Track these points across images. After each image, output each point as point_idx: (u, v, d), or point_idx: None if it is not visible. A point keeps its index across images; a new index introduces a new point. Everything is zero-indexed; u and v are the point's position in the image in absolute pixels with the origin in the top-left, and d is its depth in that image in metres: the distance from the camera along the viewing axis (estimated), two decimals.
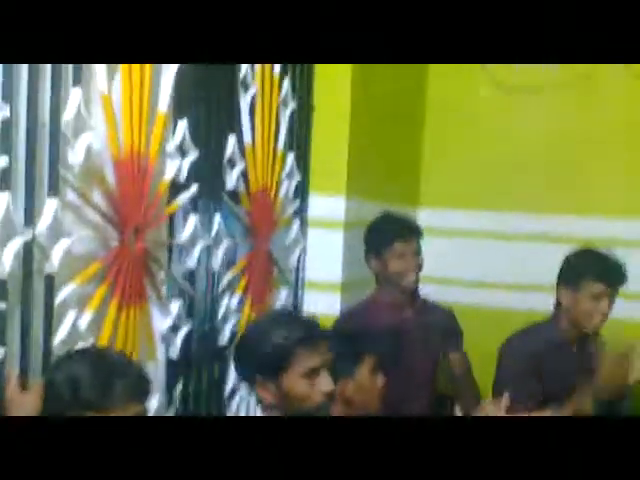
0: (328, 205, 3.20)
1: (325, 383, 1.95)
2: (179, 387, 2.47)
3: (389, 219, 3.03)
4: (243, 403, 2.81)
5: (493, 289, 3.93)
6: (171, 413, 2.42)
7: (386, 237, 2.93)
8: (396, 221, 3.01)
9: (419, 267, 2.96)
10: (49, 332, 1.92)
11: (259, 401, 2.02)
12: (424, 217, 3.86)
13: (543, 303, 3.28)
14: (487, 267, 3.93)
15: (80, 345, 1.97)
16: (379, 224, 3.02)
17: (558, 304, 2.93)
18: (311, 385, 1.94)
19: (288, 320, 2.04)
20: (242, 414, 2.79)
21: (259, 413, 2.03)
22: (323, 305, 3.17)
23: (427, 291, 3.11)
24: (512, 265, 3.89)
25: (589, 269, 2.84)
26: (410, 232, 2.96)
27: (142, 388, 1.71)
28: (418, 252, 2.96)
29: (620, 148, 3.74)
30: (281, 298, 3.07)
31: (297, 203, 3.13)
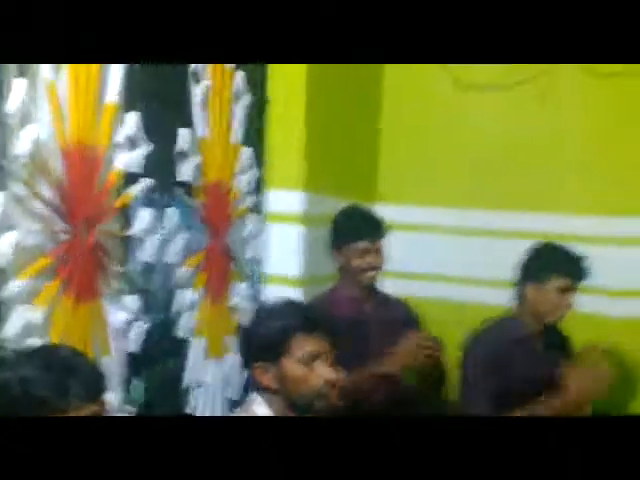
0: (286, 199, 3.18)
1: (324, 370, 1.99)
2: (135, 382, 2.44)
3: (356, 214, 3.01)
4: (200, 398, 2.78)
5: (452, 283, 3.94)
6: (128, 409, 2.39)
7: (352, 233, 2.91)
8: (363, 217, 2.99)
9: (381, 265, 2.95)
10: None
11: (257, 386, 2.04)
12: (382, 212, 3.84)
13: (501, 297, 3.31)
14: (445, 261, 3.94)
15: (30, 341, 1.94)
16: (346, 218, 3.00)
17: (521, 298, 2.94)
18: (310, 370, 1.98)
19: (289, 307, 2.07)
20: (200, 409, 2.77)
21: (258, 399, 2.03)
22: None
23: (386, 285, 3.11)
24: (470, 260, 3.90)
25: (555, 264, 2.87)
26: (376, 231, 2.95)
27: (96, 385, 1.65)
28: (381, 250, 2.95)
29: (577, 146, 3.76)
30: (240, 292, 3.04)
31: (254, 197, 3.10)
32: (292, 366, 1.98)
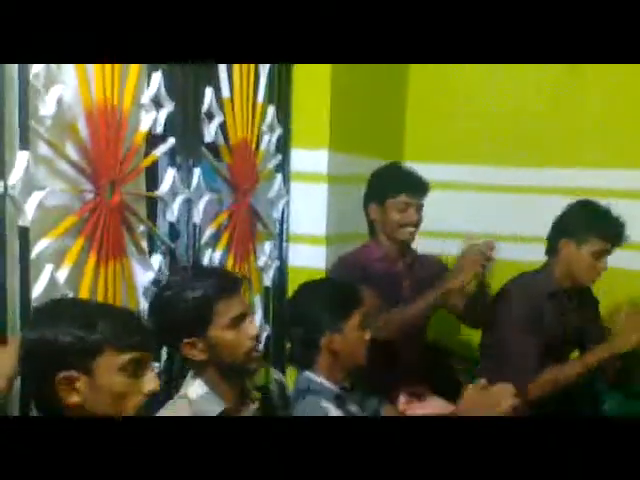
0: (311, 159, 3.16)
1: (250, 328, 1.96)
2: None
3: (399, 169, 3.01)
4: None
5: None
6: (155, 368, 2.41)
7: (394, 187, 2.90)
8: (406, 173, 2.98)
9: (418, 223, 2.94)
10: (26, 286, 1.91)
11: (187, 360, 1.98)
12: None
13: (532, 254, 3.29)
14: (474, 219, 3.91)
15: None
16: (389, 172, 2.99)
17: (553, 252, 2.92)
18: (238, 333, 1.94)
19: (201, 275, 1.99)
20: None
21: (190, 374, 2.01)
22: (308, 258, 3.17)
23: (417, 244, 3.11)
24: (500, 217, 3.88)
25: (597, 226, 2.84)
26: (419, 187, 2.93)
27: (129, 328, 1.57)
28: (421, 208, 2.94)
29: (604, 100, 3.71)
30: (265, 252, 3.06)
31: (279, 157, 3.10)
32: (220, 333, 1.93)
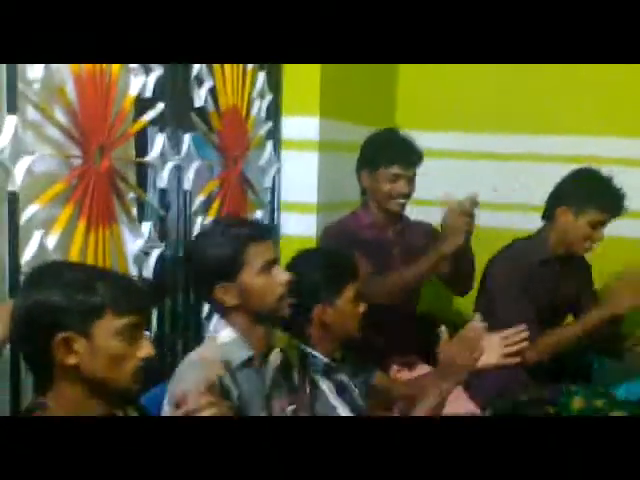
0: (302, 126, 3.13)
1: (281, 274, 2.00)
2: (154, 310, 2.45)
3: (393, 137, 2.96)
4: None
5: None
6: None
7: (385, 157, 2.87)
8: (399, 142, 2.94)
9: (409, 195, 2.91)
10: (15, 252, 1.88)
11: (218, 307, 2.02)
12: None
13: (526, 222, 3.29)
14: (467, 187, 3.88)
15: None
16: (382, 139, 2.95)
17: (550, 219, 2.90)
18: (268, 278, 1.97)
19: (232, 223, 2.05)
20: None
21: (219, 321, 2.04)
22: (300, 226, 3.15)
23: (409, 212, 3.09)
24: (493, 185, 3.86)
25: (597, 197, 2.83)
26: (411, 157, 2.90)
27: (130, 292, 1.57)
28: (413, 179, 2.91)
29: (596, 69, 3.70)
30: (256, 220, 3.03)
31: (270, 124, 3.07)
32: (252, 278, 1.96)
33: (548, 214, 2.91)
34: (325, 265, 2.30)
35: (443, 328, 2.12)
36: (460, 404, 2.68)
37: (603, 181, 2.84)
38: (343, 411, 2.23)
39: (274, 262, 2.00)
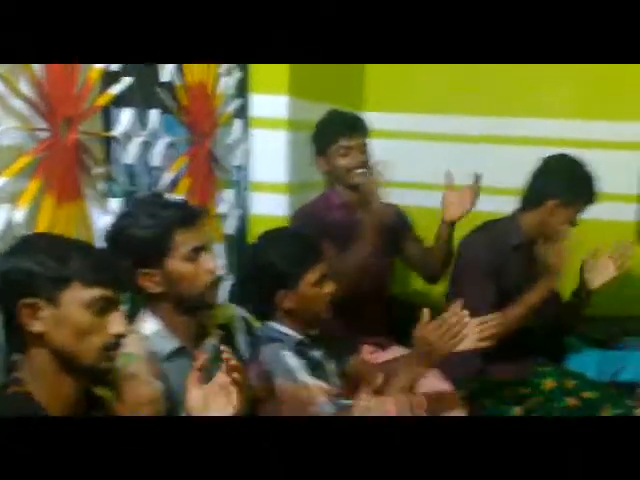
0: (271, 104, 3.10)
1: (208, 261, 1.92)
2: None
3: (334, 116, 2.98)
4: None
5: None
6: None
7: (330, 134, 2.88)
8: (341, 117, 2.96)
9: (366, 164, 2.89)
10: None
11: (140, 295, 1.94)
12: (369, 120, 3.77)
13: (493, 205, 3.27)
14: (435, 169, 3.87)
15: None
16: (324, 122, 2.97)
17: (533, 206, 2.89)
18: (196, 265, 1.90)
19: (161, 204, 1.94)
20: None
21: (142, 311, 1.96)
22: (269, 206, 3.11)
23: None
24: (461, 167, 3.84)
25: (584, 192, 2.85)
26: (354, 127, 2.90)
27: (102, 265, 1.55)
28: (364, 148, 2.89)
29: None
30: (226, 199, 2.99)
31: (238, 101, 3.02)
32: (178, 265, 1.89)
33: (533, 201, 2.89)
34: (285, 249, 2.24)
35: (426, 311, 2.10)
36: (433, 382, 2.66)
37: (588, 174, 2.86)
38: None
39: (202, 248, 1.92)
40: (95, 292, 1.51)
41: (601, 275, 2.87)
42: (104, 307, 1.53)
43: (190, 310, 1.94)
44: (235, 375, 1.62)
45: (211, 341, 2.00)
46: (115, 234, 1.94)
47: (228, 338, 2.07)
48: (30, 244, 1.56)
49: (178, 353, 1.91)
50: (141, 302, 1.97)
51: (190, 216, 1.91)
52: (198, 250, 1.90)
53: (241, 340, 2.17)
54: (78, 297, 1.50)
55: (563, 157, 2.91)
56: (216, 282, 1.95)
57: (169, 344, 1.91)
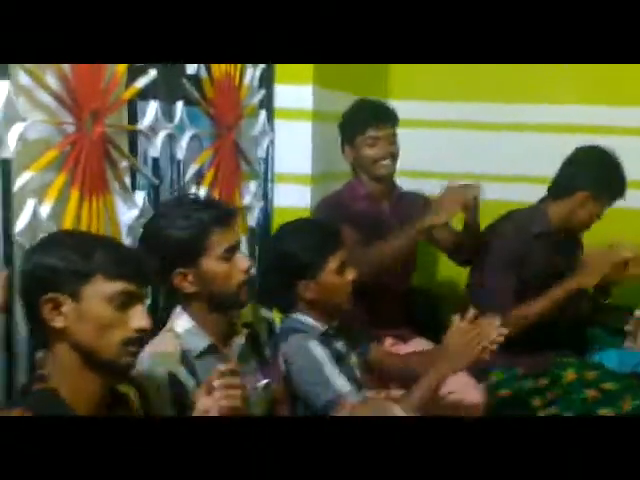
0: (295, 94, 3.10)
1: (242, 260, 1.94)
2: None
3: (363, 105, 2.96)
4: None
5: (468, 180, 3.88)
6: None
7: (359, 123, 2.86)
8: (370, 107, 2.94)
9: (394, 155, 2.89)
10: (8, 220, 1.85)
11: (174, 293, 1.95)
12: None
13: (516, 193, 3.26)
14: (458, 158, 3.87)
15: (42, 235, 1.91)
16: (353, 111, 2.95)
17: (562, 196, 2.88)
18: (230, 265, 1.91)
19: (196, 205, 1.95)
20: None
21: (176, 308, 1.98)
22: (293, 198, 3.12)
23: (400, 184, 3.06)
24: (484, 155, 3.84)
25: (615, 188, 2.84)
26: (383, 118, 2.89)
27: (125, 259, 1.54)
28: (393, 139, 2.89)
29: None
30: (250, 191, 3.00)
31: (263, 92, 3.03)
32: (214, 265, 1.90)
33: (563, 192, 2.88)
34: (305, 239, 2.22)
35: (457, 317, 2.11)
36: (468, 391, 2.69)
37: (620, 169, 2.84)
38: (339, 381, 2.19)
39: (236, 248, 1.94)
40: (117, 286, 1.50)
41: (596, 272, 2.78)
42: (126, 301, 1.52)
43: (222, 309, 1.95)
44: (234, 380, 1.62)
45: (239, 340, 2.01)
46: (150, 235, 1.95)
47: (253, 337, 2.07)
48: (54, 241, 1.56)
49: (209, 351, 1.92)
50: (175, 300, 1.99)
51: (225, 216, 1.93)
52: (232, 250, 1.91)
53: (265, 339, 2.17)
54: (100, 291, 1.49)
55: (596, 149, 2.89)
56: (248, 281, 1.96)
57: (201, 342, 1.92)
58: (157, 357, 1.84)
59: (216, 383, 1.61)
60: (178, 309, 1.97)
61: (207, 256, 1.88)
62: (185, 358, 1.88)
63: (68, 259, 1.49)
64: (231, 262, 1.91)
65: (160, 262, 1.88)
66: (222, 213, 1.93)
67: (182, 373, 1.85)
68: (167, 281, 1.92)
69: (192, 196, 2.03)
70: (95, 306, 1.50)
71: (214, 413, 1.60)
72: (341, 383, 2.13)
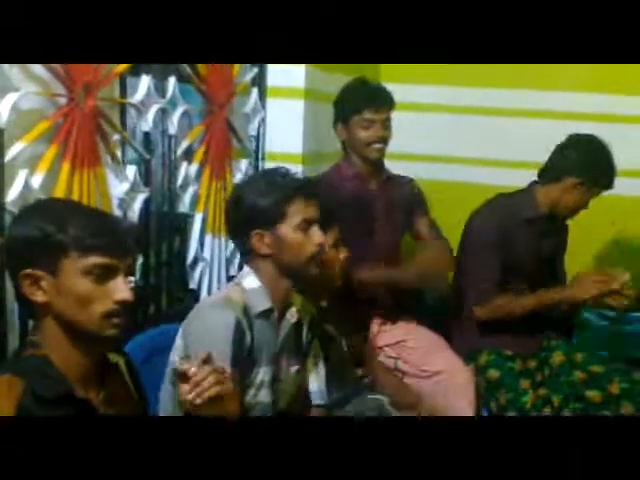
0: (287, 73, 3.08)
1: (318, 234, 2.01)
2: (139, 257, 2.41)
3: (362, 86, 2.95)
4: (205, 272, 2.76)
5: (456, 164, 3.89)
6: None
7: (356, 104, 2.85)
8: (369, 89, 2.93)
9: (386, 139, 2.89)
10: (1, 190, 1.85)
11: (249, 253, 2.03)
12: None
13: (507, 178, 3.27)
14: (449, 141, 3.88)
15: None
16: (351, 90, 2.93)
17: (550, 181, 2.89)
18: (306, 236, 1.99)
19: (283, 175, 2.04)
20: (205, 284, 2.75)
21: (246, 267, 2.06)
22: None
23: (390, 166, 3.07)
24: (477, 140, 3.85)
25: (605, 178, 2.86)
26: (382, 101, 2.88)
27: (99, 231, 1.49)
28: (387, 123, 2.88)
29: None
30: (241, 168, 2.99)
31: (255, 70, 3.02)
32: (289, 232, 1.98)
33: (552, 177, 2.89)
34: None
35: None
36: (456, 371, 2.75)
37: (611, 161, 2.86)
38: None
39: (314, 222, 2.01)
40: (93, 259, 1.48)
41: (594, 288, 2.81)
42: (104, 274, 1.50)
43: (290, 276, 2.03)
44: (221, 377, 1.61)
45: (290, 318, 2.08)
46: (238, 196, 2.04)
47: (297, 323, 2.12)
48: (36, 211, 1.54)
49: (267, 313, 2.01)
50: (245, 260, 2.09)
51: (306, 189, 2.02)
52: (309, 222, 2.00)
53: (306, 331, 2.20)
54: (76, 265, 1.47)
55: (589, 137, 2.89)
56: (319, 255, 2.03)
57: (263, 303, 2.00)
58: (226, 302, 1.96)
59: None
60: (247, 268, 2.05)
61: (284, 223, 1.98)
62: (247, 312, 1.96)
63: (44, 231, 1.47)
64: (306, 234, 1.99)
65: (243, 220, 2.01)
66: (304, 185, 2.03)
67: (243, 323, 1.93)
68: (246, 240, 2.01)
69: (281, 168, 2.06)
70: (73, 280, 1.48)
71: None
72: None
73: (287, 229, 1.98)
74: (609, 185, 2.86)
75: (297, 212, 1.98)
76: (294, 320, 2.08)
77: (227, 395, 1.61)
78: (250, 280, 2.02)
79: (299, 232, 1.99)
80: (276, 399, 2.03)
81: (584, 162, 2.83)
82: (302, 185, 2.03)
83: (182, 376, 1.57)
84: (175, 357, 1.93)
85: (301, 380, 2.15)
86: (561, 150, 2.90)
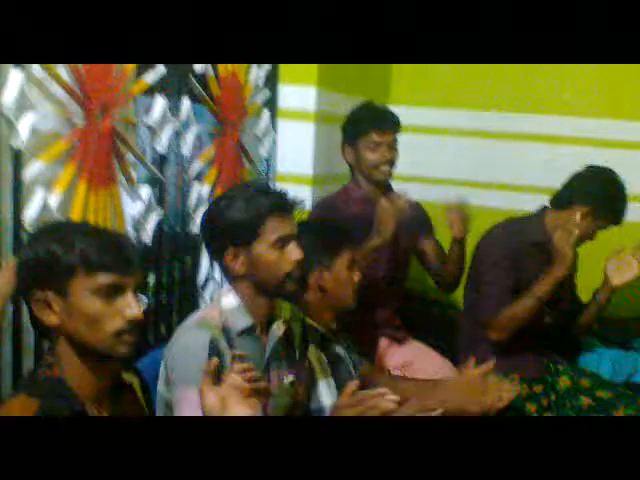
0: (299, 95, 3.12)
1: (295, 252, 1.95)
2: (151, 276, 2.43)
3: (368, 108, 2.98)
4: (216, 292, 2.77)
5: (464, 187, 3.90)
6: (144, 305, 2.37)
7: (363, 126, 2.88)
8: (375, 111, 2.96)
9: (393, 161, 2.92)
10: (18, 208, 1.87)
11: (227, 272, 1.99)
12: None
13: (515, 202, 3.28)
14: (458, 165, 3.89)
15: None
16: (358, 113, 2.97)
17: (561, 207, 2.90)
18: (281, 254, 1.93)
19: (259, 190, 1.99)
20: None
21: (226, 286, 2.03)
22: None
23: (398, 188, 3.08)
24: (483, 163, 3.87)
25: (616, 211, 2.84)
26: (388, 124, 2.91)
27: (106, 250, 1.50)
28: (393, 145, 2.91)
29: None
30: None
31: (267, 92, 3.05)
32: (264, 250, 1.93)
33: (562, 204, 2.89)
34: (319, 231, 2.28)
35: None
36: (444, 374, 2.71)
37: (623, 197, 2.85)
38: (325, 391, 2.21)
39: (290, 238, 1.95)
40: (100, 278, 1.48)
41: (623, 273, 2.86)
42: (112, 292, 1.50)
43: (267, 294, 1.98)
44: (247, 376, 1.62)
45: (277, 331, 2.03)
46: (211, 213, 2.00)
47: (288, 334, 2.09)
48: (48, 233, 1.54)
49: (248, 331, 1.97)
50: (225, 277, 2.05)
51: (284, 205, 1.96)
52: (285, 239, 1.94)
53: (298, 340, 2.16)
54: (85, 285, 1.47)
55: (606, 171, 2.90)
56: (297, 273, 1.97)
57: (242, 321, 1.96)
58: (202, 323, 1.90)
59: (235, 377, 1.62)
60: (226, 287, 2.02)
61: (259, 241, 1.92)
62: (226, 332, 1.92)
63: (51, 252, 1.47)
64: (282, 251, 1.93)
65: (217, 239, 1.96)
66: (282, 202, 1.96)
67: (222, 343, 1.88)
68: (221, 259, 1.97)
69: (258, 183, 2.05)
70: (82, 301, 1.48)
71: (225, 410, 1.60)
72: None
73: (262, 247, 1.92)
74: (617, 221, 2.86)
75: (272, 230, 1.92)
76: (281, 332, 2.03)
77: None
78: (229, 299, 1.98)
79: (274, 250, 1.92)
80: (269, 412, 2.01)
81: (597, 194, 2.83)
82: (277, 202, 1.95)
83: None
84: (161, 386, 1.92)
85: (297, 391, 2.09)
86: (576, 178, 2.91)
